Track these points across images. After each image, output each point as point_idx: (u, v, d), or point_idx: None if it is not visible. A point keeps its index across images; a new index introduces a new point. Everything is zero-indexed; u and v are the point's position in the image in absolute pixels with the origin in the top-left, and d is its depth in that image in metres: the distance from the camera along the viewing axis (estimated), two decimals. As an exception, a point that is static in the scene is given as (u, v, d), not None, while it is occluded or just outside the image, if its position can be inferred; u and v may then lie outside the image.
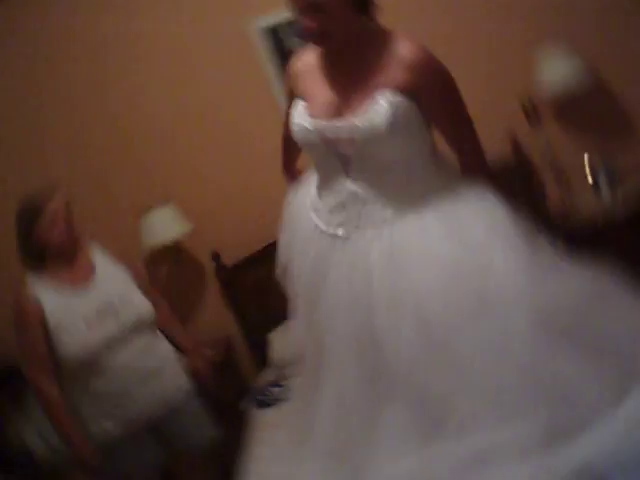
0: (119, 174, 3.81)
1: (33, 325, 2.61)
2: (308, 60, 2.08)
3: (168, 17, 3.71)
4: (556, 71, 3.44)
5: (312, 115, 1.98)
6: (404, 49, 1.89)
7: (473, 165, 2.04)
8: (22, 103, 3.79)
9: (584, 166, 3.59)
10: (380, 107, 1.87)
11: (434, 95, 1.92)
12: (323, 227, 2.03)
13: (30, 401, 3.85)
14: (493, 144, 3.38)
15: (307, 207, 2.11)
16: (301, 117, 2.00)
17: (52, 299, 2.63)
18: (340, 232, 1.99)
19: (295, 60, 2.14)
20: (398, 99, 1.87)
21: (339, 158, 1.98)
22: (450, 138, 2.03)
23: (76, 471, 3.32)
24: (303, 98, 2.04)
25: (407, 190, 1.98)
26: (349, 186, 1.98)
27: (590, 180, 3.58)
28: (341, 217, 2.00)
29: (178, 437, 2.83)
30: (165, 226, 3.64)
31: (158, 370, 2.74)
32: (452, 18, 3.59)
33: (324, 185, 2.06)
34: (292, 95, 2.10)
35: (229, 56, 3.72)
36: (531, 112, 3.58)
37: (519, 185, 3.58)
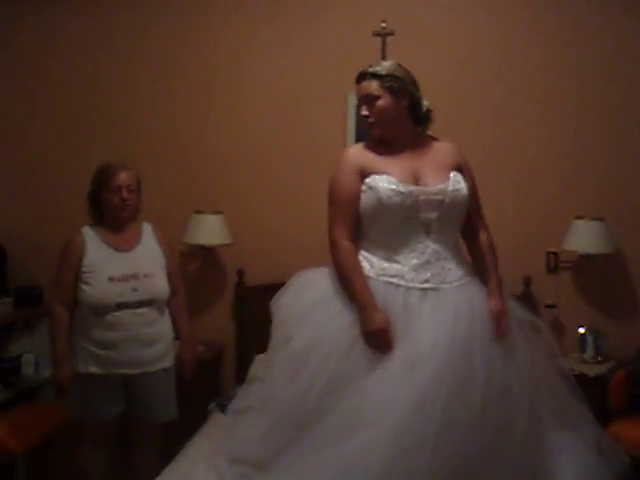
0: (188, 179, 4.29)
1: (72, 258, 3.05)
2: (366, 150, 2.48)
3: (275, 67, 4.18)
4: (584, 234, 3.73)
5: (401, 181, 2.36)
6: (448, 142, 2.50)
7: (489, 240, 2.53)
8: (124, 106, 4.39)
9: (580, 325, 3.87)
10: (458, 177, 2.39)
11: (469, 174, 2.47)
12: (410, 284, 2.33)
13: (39, 333, 4.37)
14: (509, 279, 3.82)
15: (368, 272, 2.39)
16: (393, 183, 2.34)
17: (94, 248, 3.07)
18: (429, 285, 2.33)
19: (354, 149, 2.53)
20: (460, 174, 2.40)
21: (421, 221, 2.37)
22: (472, 213, 2.50)
23: (48, 391, 3.85)
24: (380, 173, 2.38)
25: (461, 254, 2.48)
26: (432, 246, 2.37)
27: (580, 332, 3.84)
28: (428, 273, 2.35)
29: (142, 404, 3.17)
30: (209, 231, 4.03)
31: (152, 341, 3.11)
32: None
33: (402, 247, 2.37)
34: (361, 174, 2.41)
35: (317, 114, 4.09)
36: (552, 261, 3.95)
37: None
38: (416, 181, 2.38)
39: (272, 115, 4.20)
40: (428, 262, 2.36)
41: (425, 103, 2.45)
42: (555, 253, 3.92)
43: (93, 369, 3.06)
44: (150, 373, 3.12)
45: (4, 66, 4.56)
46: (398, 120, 2.40)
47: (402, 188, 2.34)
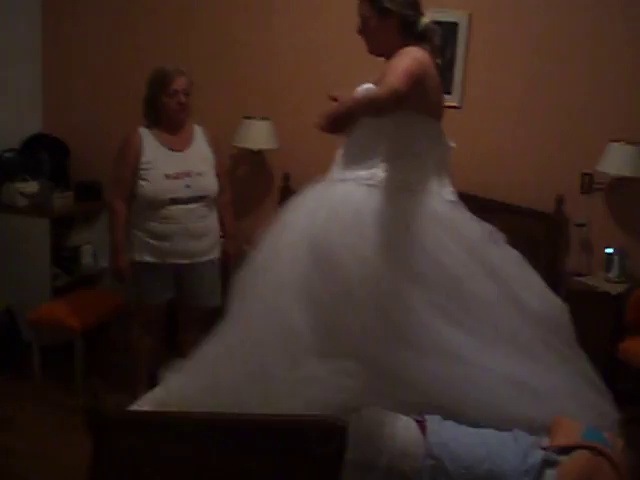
0: (239, 85, 4.46)
1: (130, 156, 3.30)
2: None
3: None
4: (618, 157, 3.84)
5: None
6: None
7: None
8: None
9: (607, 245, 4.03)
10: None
11: None
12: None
13: (97, 226, 4.69)
14: (542, 197, 3.96)
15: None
16: None
17: (151, 147, 3.32)
18: None
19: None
20: None
21: None
22: None
23: (104, 279, 4.21)
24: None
25: None
26: None
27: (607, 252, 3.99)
28: None
29: (191, 291, 3.47)
30: (258, 135, 4.22)
31: (201, 234, 3.39)
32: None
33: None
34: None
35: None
36: (586, 182, 4.08)
37: (549, 238, 4.08)
38: None
39: (320, 22, 4.30)
40: None
41: (423, 21, 2.42)
42: (590, 174, 4.04)
43: (148, 258, 3.36)
44: (198, 263, 3.40)
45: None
46: (387, 39, 2.40)
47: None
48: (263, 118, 4.23)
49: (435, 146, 2.42)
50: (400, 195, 2.34)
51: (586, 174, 4.05)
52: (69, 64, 4.83)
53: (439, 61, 2.46)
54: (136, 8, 4.65)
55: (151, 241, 3.34)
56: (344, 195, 2.36)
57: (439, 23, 3.77)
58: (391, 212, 2.31)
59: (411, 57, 2.24)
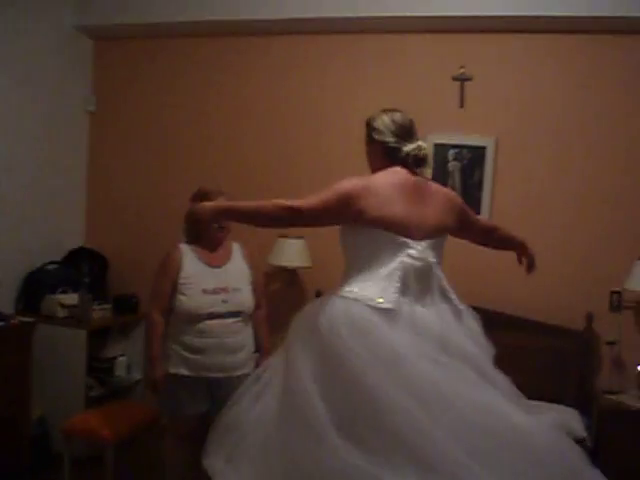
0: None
1: (170, 271, 3.42)
2: None
3: (359, 107, 4.49)
4: None
5: None
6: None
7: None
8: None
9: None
10: None
11: None
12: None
13: (132, 339, 4.80)
14: (571, 315, 4.01)
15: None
16: None
17: (191, 264, 3.44)
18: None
19: None
20: None
21: None
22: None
23: (137, 391, 4.27)
24: None
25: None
26: None
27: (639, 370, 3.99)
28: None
29: (224, 405, 3.47)
30: (292, 254, 4.39)
31: (236, 348, 3.45)
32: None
33: None
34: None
35: None
36: (615, 300, 4.12)
37: (579, 356, 4.08)
38: None
39: (354, 153, 4.49)
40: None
41: (407, 148, 2.61)
42: (619, 292, 4.10)
43: (183, 371, 3.42)
44: (233, 377, 3.43)
45: (115, 95, 5.09)
46: (375, 160, 2.71)
47: None
48: (297, 237, 4.38)
49: (389, 256, 2.51)
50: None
51: (615, 292, 4.11)
52: (111, 182, 5.10)
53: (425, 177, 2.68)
54: (177, 130, 4.94)
55: (187, 354, 3.41)
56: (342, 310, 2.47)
57: (468, 147, 4.05)
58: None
59: (333, 188, 2.53)
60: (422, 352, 2.36)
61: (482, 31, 4.27)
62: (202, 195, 3.47)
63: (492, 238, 3.02)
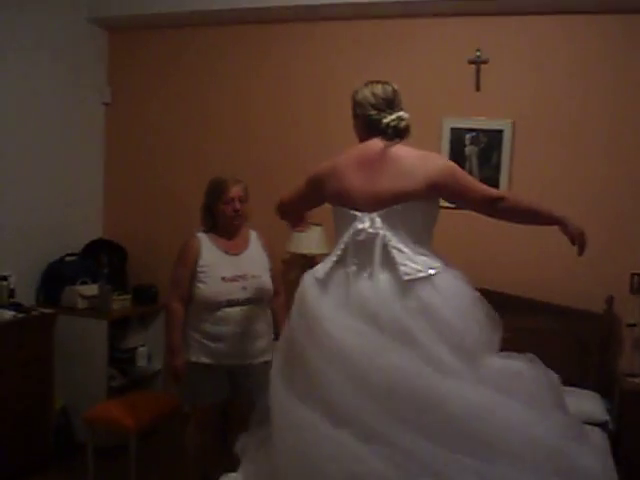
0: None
1: (189, 260, 3.43)
2: None
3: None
4: None
5: None
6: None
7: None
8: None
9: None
10: None
11: None
12: None
13: (152, 329, 4.83)
14: (591, 297, 3.97)
15: None
16: None
17: (209, 252, 3.45)
18: None
19: None
20: None
21: None
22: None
23: (158, 381, 4.33)
24: None
25: None
26: None
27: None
28: None
29: (245, 391, 3.50)
30: (310, 241, 4.38)
31: (255, 336, 3.46)
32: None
33: None
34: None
35: (413, 137, 4.37)
36: (636, 282, 4.09)
37: (600, 339, 4.05)
38: None
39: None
40: None
41: (386, 120, 2.61)
42: (639, 274, 4.06)
43: (203, 359, 3.43)
44: (253, 365, 3.46)
45: (130, 86, 5.10)
46: (360, 133, 2.75)
47: None
48: (315, 224, 4.37)
49: (345, 231, 2.62)
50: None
51: (635, 274, 4.07)
52: (128, 173, 5.12)
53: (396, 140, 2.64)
54: (192, 120, 4.94)
55: (207, 342, 3.42)
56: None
57: (485, 131, 4.01)
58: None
59: (306, 176, 2.78)
60: (339, 318, 2.46)
61: (498, 13, 4.23)
62: (218, 184, 3.49)
63: (496, 209, 2.59)
